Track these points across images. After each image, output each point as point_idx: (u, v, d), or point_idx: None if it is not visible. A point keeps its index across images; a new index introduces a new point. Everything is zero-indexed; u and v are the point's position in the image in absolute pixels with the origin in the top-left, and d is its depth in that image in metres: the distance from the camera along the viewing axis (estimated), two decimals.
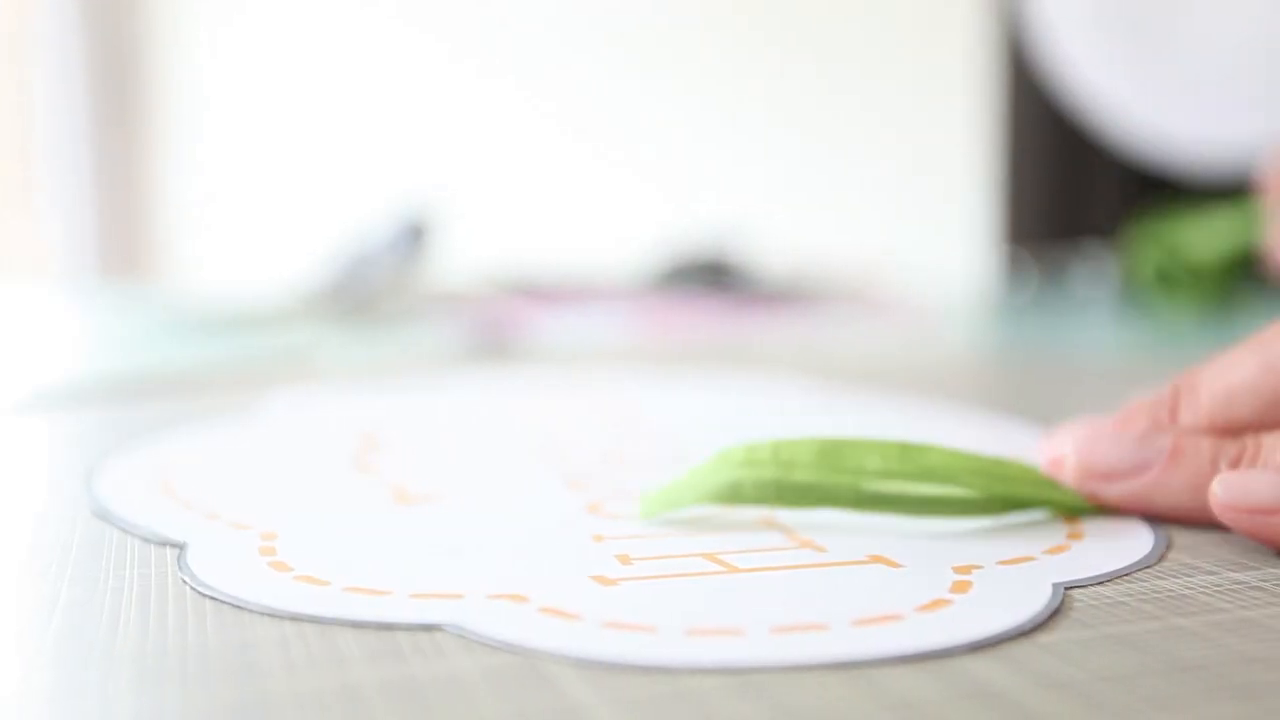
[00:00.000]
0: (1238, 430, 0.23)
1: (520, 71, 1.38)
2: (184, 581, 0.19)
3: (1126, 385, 0.39)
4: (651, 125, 1.28)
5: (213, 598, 0.18)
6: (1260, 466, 0.21)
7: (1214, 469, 0.22)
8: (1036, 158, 0.87)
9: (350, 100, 1.52)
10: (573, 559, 0.20)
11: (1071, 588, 0.18)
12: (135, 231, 1.67)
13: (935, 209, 1.04)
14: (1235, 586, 0.18)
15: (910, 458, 0.22)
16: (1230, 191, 0.62)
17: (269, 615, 0.18)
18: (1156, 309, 0.61)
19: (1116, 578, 0.19)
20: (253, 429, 0.32)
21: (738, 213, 1.13)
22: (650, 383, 0.39)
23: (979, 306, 0.75)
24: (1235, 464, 0.22)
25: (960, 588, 0.18)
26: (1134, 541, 0.21)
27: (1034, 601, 0.18)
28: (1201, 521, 0.22)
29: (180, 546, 0.21)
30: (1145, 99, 0.71)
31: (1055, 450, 0.24)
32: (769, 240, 0.95)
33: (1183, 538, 0.21)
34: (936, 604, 0.18)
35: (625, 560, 0.20)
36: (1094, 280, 0.75)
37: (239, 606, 0.18)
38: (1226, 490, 0.20)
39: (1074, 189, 0.84)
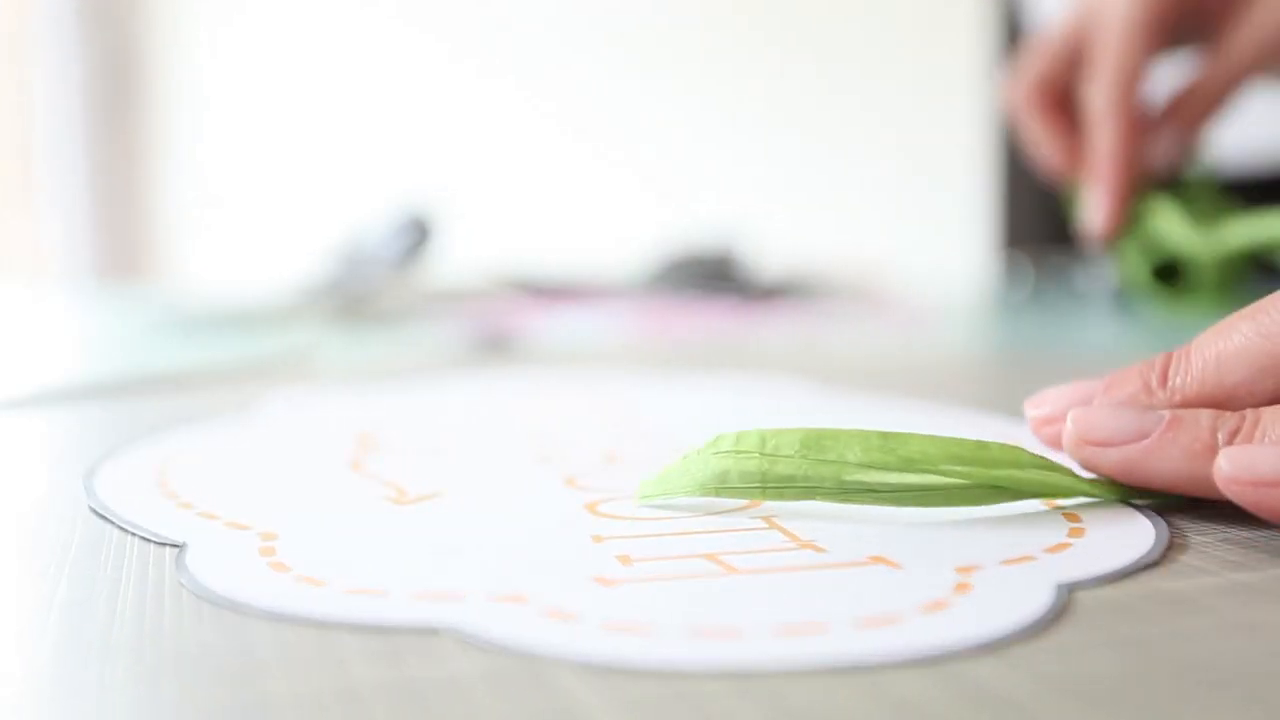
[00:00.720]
0: (1228, 395, 0.23)
1: (520, 71, 1.38)
2: (181, 583, 0.19)
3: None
4: (651, 124, 1.28)
5: (211, 600, 0.18)
6: (1260, 440, 0.21)
7: (1212, 440, 0.22)
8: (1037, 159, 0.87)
9: (350, 99, 1.52)
10: (573, 560, 0.20)
11: (1074, 588, 0.18)
12: (134, 231, 1.67)
13: (935, 209, 1.04)
14: (1237, 588, 0.18)
15: (891, 447, 0.22)
16: (1230, 193, 0.62)
17: (268, 616, 0.18)
18: (1155, 309, 0.60)
19: (1119, 577, 0.19)
20: (252, 429, 0.32)
21: (738, 212, 1.13)
22: (650, 382, 0.39)
23: (978, 306, 0.74)
24: (1233, 436, 0.22)
25: (962, 589, 0.18)
26: (1136, 538, 0.21)
27: (1036, 603, 0.17)
28: (1195, 493, 0.22)
29: (179, 546, 0.21)
30: None
31: (1045, 412, 0.24)
32: (769, 240, 0.95)
33: (1183, 537, 0.21)
34: (938, 605, 0.17)
35: (626, 561, 0.20)
36: (1092, 280, 0.75)
37: (238, 607, 0.18)
38: (1231, 464, 0.21)
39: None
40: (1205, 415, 0.22)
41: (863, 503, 0.22)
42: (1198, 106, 0.56)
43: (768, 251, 0.89)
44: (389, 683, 0.15)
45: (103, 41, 1.61)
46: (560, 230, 1.33)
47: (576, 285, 0.75)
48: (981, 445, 0.22)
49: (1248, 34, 0.54)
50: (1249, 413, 0.22)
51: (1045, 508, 0.23)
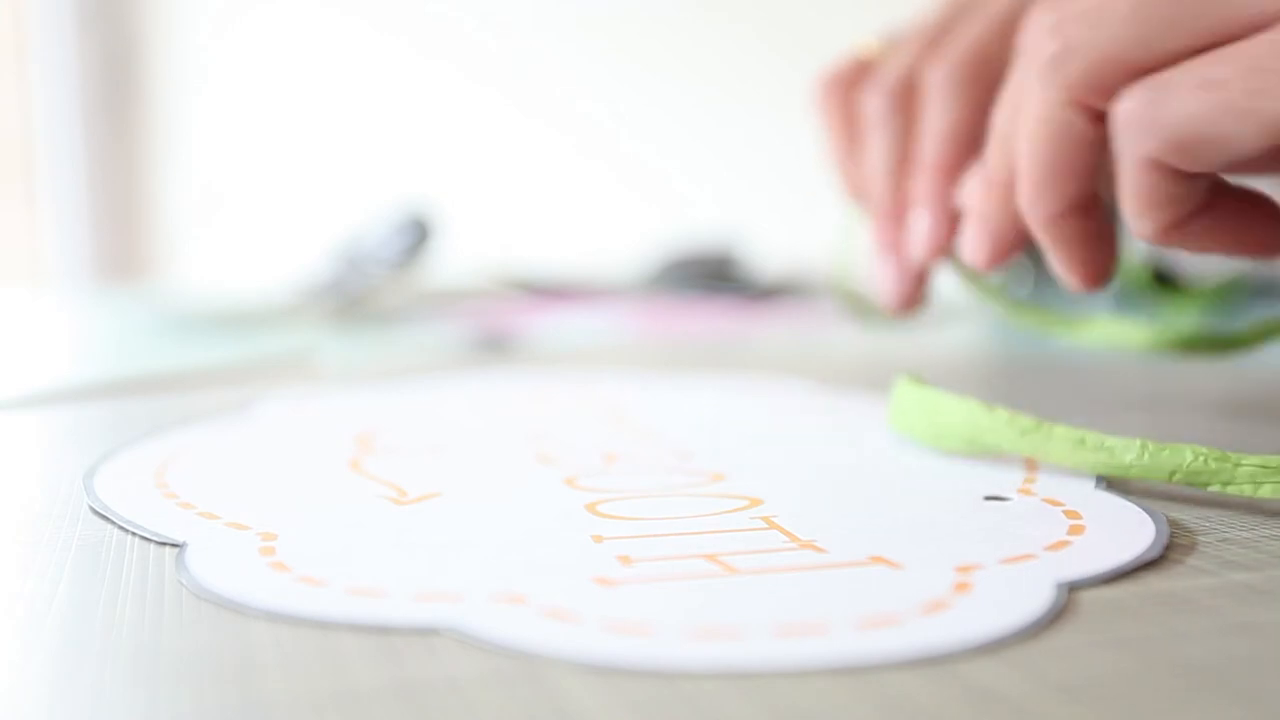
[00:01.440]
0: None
1: (520, 71, 1.38)
2: (181, 583, 0.19)
3: (1125, 384, 0.39)
4: (651, 124, 1.28)
5: (211, 600, 0.18)
6: None
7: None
8: None
9: (349, 100, 1.52)
10: (573, 560, 0.20)
11: (1074, 587, 0.18)
12: (134, 231, 1.67)
13: None
14: (1237, 588, 0.18)
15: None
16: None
17: (268, 616, 0.18)
18: (1154, 309, 0.60)
19: (1119, 576, 0.19)
20: (252, 429, 0.32)
21: (737, 212, 1.13)
22: (650, 382, 0.39)
23: (978, 306, 0.74)
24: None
25: (961, 588, 0.18)
26: (1136, 536, 0.21)
27: (1036, 602, 0.17)
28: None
29: (179, 546, 0.21)
30: None
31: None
32: (768, 240, 0.95)
33: (1183, 536, 0.21)
34: (938, 605, 0.17)
35: (626, 561, 0.20)
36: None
37: (238, 607, 0.18)
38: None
39: None
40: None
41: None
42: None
43: (768, 251, 0.89)
44: (388, 683, 0.15)
45: (102, 41, 1.61)
46: (560, 230, 1.33)
47: (576, 285, 0.75)
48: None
49: None
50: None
51: (1045, 504, 0.23)
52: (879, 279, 0.36)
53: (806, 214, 1.16)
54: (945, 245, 0.34)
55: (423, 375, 0.41)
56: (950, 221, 0.34)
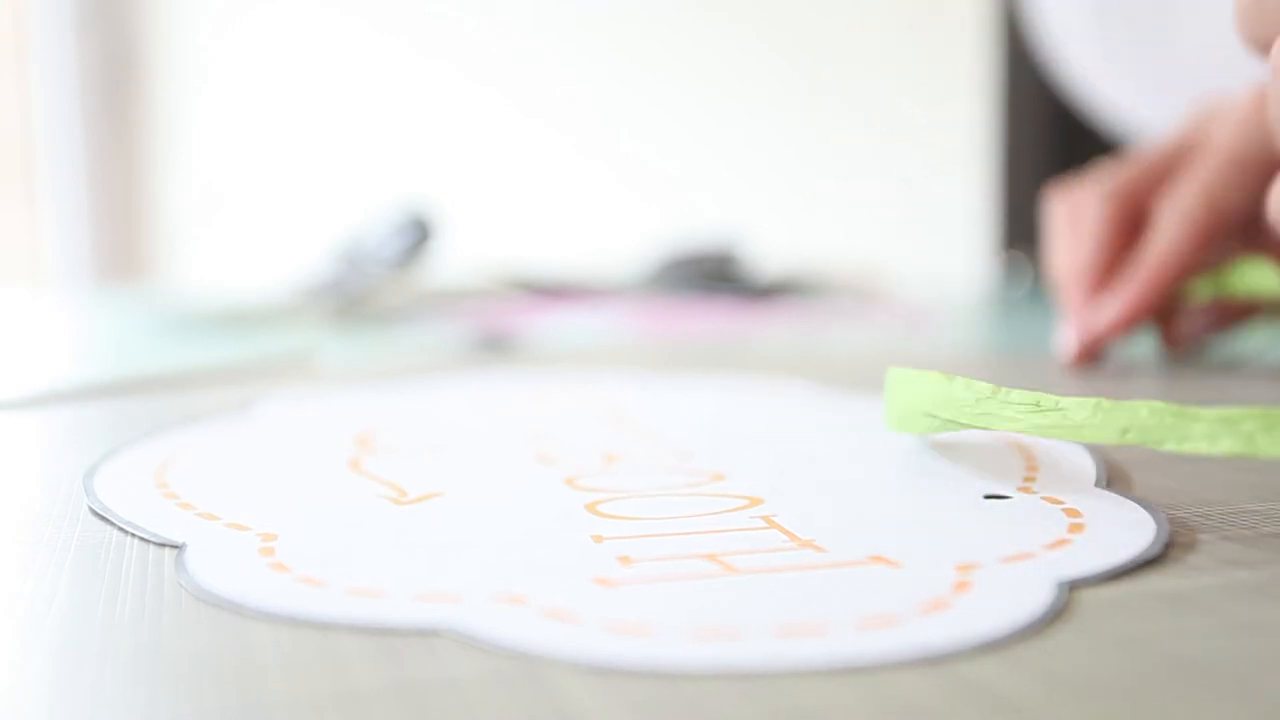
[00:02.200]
0: None
1: (520, 71, 1.38)
2: (181, 584, 0.19)
3: (1124, 383, 0.39)
4: (651, 124, 1.28)
5: (210, 601, 0.18)
6: None
7: None
8: (1037, 159, 0.87)
9: (349, 100, 1.52)
10: (573, 560, 0.20)
11: (1074, 586, 0.18)
12: (134, 231, 1.67)
13: (934, 209, 1.04)
14: (1237, 587, 0.18)
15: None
16: None
17: (268, 617, 0.18)
18: None
19: (1119, 574, 0.19)
20: (251, 428, 0.32)
21: (737, 212, 1.13)
22: (650, 382, 0.39)
23: (978, 306, 0.74)
24: None
25: (961, 587, 0.18)
26: (1136, 535, 0.21)
27: (1035, 601, 0.17)
28: None
29: (179, 547, 0.21)
30: (1148, 101, 0.71)
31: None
32: (768, 240, 0.95)
33: (1183, 534, 0.21)
34: (937, 604, 0.17)
35: (626, 561, 0.20)
36: None
37: (238, 608, 0.18)
38: None
39: None
40: None
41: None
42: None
43: (768, 251, 0.89)
44: (388, 684, 0.15)
45: (102, 41, 1.61)
46: (560, 230, 1.33)
47: (576, 285, 0.75)
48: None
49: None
50: None
51: (1045, 503, 0.23)
52: (1064, 340, 0.43)
53: (806, 214, 1.16)
54: (1131, 329, 0.42)
55: (423, 375, 0.41)
56: (1143, 315, 0.42)
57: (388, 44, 1.48)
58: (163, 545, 0.21)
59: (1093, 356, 0.43)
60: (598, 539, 0.21)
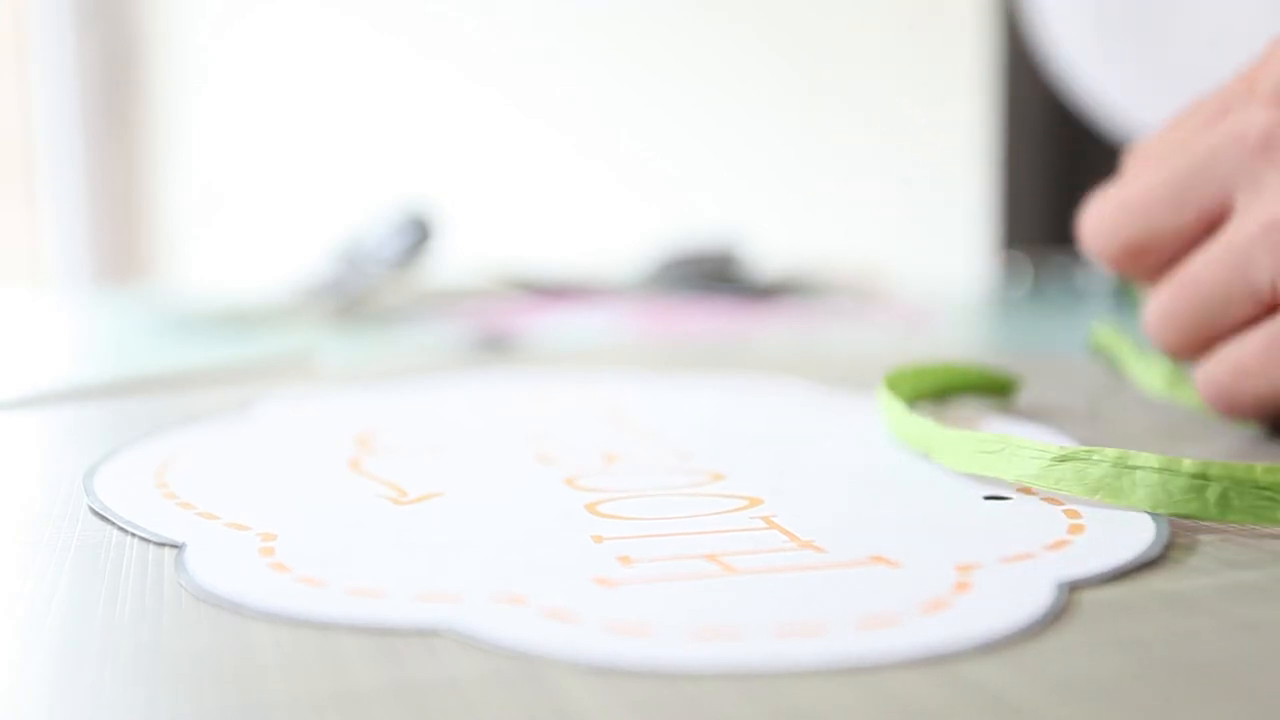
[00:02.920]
0: None
1: (520, 70, 1.38)
2: (181, 584, 0.19)
3: (1123, 383, 0.38)
4: (651, 124, 1.28)
5: (210, 601, 0.18)
6: None
7: None
8: (1036, 159, 0.87)
9: (349, 100, 1.52)
10: (573, 560, 0.20)
11: (1074, 587, 0.18)
12: (134, 231, 1.67)
13: (935, 209, 1.04)
14: (1237, 588, 0.18)
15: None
16: None
17: (268, 617, 0.18)
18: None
19: (1119, 575, 0.19)
20: (251, 428, 0.32)
21: (737, 212, 1.13)
22: (650, 382, 0.39)
23: (978, 306, 0.74)
24: None
25: (961, 587, 0.18)
26: (1136, 535, 0.21)
27: (1036, 602, 0.17)
28: None
29: (178, 547, 0.21)
30: (1148, 101, 0.71)
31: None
32: (768, 240, 0.95)
33: (1183, 535, 0.21)
34: (938, 605, 0.17)
35: (626, 561, 0.20)
36: (1092, 279, 0.75)
37: (238, 608, 0.18)
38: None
39: (1074, 190, 0.84)
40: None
41: None
42: None
43: (767, 251, 0.89)
44: (388, 684, 0.15)
45: (102, 41, 1.61)
46: (560, 230, 1.33)
47: (576, 285, 0.75)
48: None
49: None
50: None
51: (1045, 504, 0.23)
52: None
53: (806, 214, 1.16)
54: None
55: (423, 375, 0.41)
56: None
57: (388, 44, 1.48)
58: (162, 545, 0.21)
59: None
60: (598, 539, 0.21)
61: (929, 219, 1.04)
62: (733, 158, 1.21)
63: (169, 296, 0.81)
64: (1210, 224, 0.28)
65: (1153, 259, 0.30)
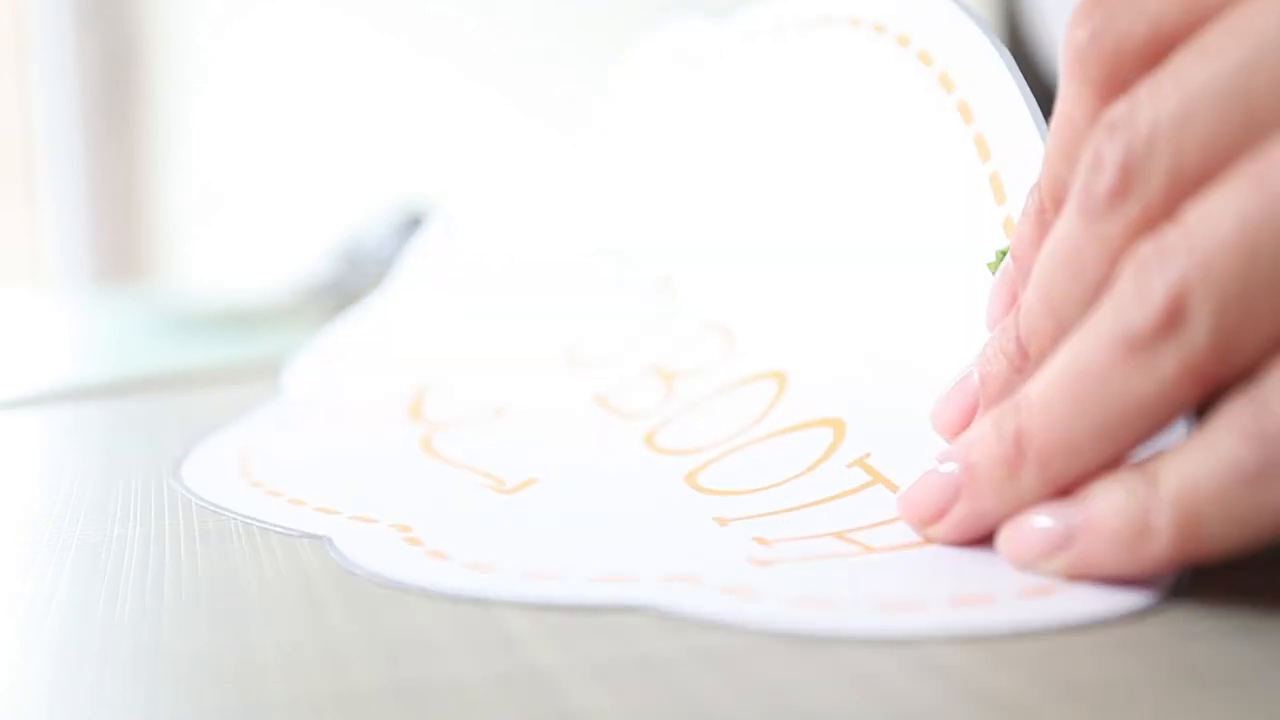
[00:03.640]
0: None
1: (520, 70, 1.38)
2: (349, 571, 0.19)
3: None
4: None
5: (377, 583, 0.19)
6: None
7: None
8: None
9: (349, 100, 1.52)
10: (714, 542, 0.20)
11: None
12: (134, 231, 1.67)
13: None
14: (1239, 588, 0.18)
15: None
16: None
17: (435, 597, 0.18)
18: None
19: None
20: (307, 412, 0.31)
21: None
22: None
23: None
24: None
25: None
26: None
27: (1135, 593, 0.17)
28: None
29: (318, 538, 0.21)
30: None
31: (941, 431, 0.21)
32: None
33: None
34: (1040, 591, 0.17)
35: (763, 542, 0.20)
36: None
37: (421, 592, 0.18)
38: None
39: None
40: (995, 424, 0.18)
41: None
42: None
43: None
44: (388, 684, 0.15)
45: (102, 41, 1.61)
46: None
47: None
48: None
49: None
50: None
51: None
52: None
53: None
54: None
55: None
56: None
57: (388, 44, 1.48)
58: (304, 536, 0.21)
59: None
60: (722, 522, 0.21)
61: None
62: None
63: (169, 296, 0.81)
64: None
65: None
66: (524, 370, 0.31)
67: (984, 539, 0.19)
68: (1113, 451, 0.17)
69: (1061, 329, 0.18)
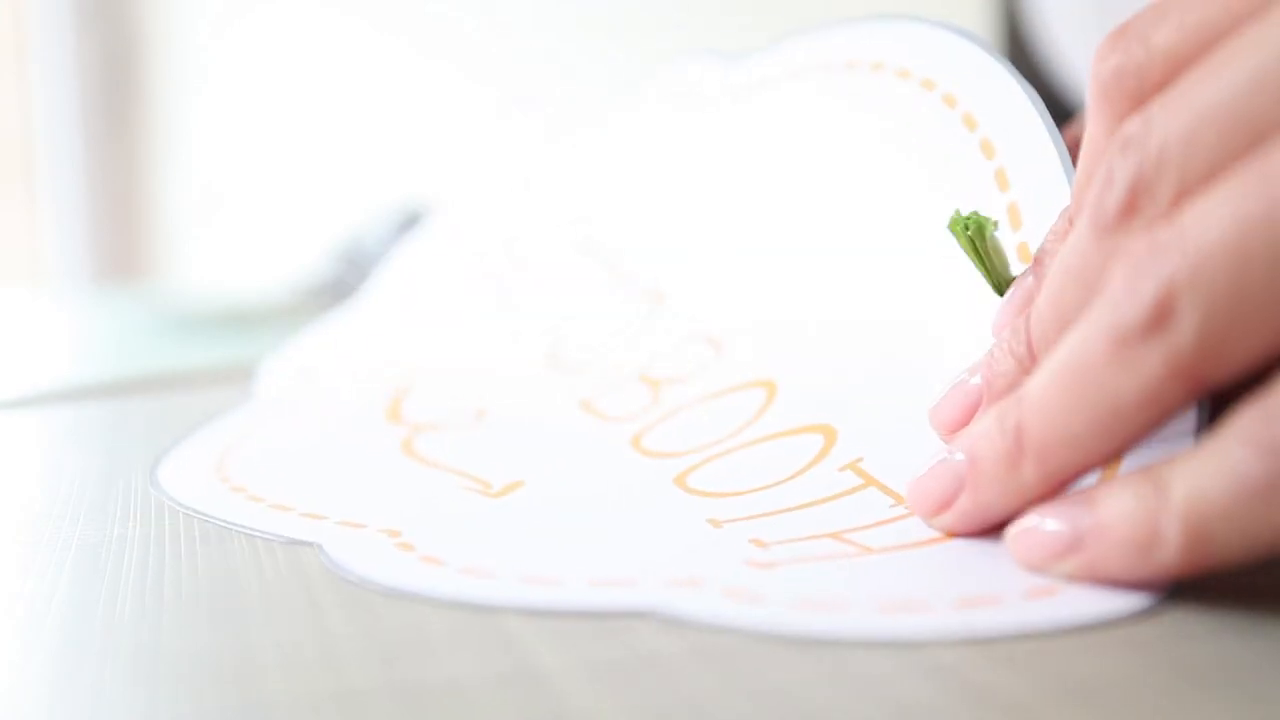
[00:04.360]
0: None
1: (520, 70, 1.38)
2: (342, 578, 0.19)
3: None
4: None
5: (368, 588, 0.19)
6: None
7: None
8: None
9: (349, 100, 1.52)
10: (710, 545, 0.20)
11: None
12: (134, 231, 1.67)
13: None
14: (1239, 588, 0.18)
15: None
16: None
17: (436, 603, 0.18)
18: None
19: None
20: (280, 413, 0.31)
21: None
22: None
23: None
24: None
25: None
26: None
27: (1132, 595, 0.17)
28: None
29: (309, 545, 0.21)
30: None
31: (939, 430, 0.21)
32: None
33: None
34: (1044, 592, 0.17)
35: (761, 544, 0.20)
36: None
37: (414, 597, 0.18)
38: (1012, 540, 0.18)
39: None
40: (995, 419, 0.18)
41: None
42: None
43: None
44: (388, 684, 0.15)
45: (102, 41, 1.61)
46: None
47: None
48: None
49: None
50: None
51: None
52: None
53: None
54: None
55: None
56: None
57: (388, 44, 1.48)
58: (292, 545, 0.21)
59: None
60: (715, 523, 0.21)
61: None
62: None
63: (169, 296, 0.81)
64: None
65: None
66: (505, 373, 0.30)
67: (986, 535, 0.19)
68: (1108, 447, 0.18)
69: None
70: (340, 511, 0.23)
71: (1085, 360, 0.17)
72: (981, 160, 0.24)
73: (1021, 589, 0.17)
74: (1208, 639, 0.16)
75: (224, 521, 0.22)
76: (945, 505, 0.19)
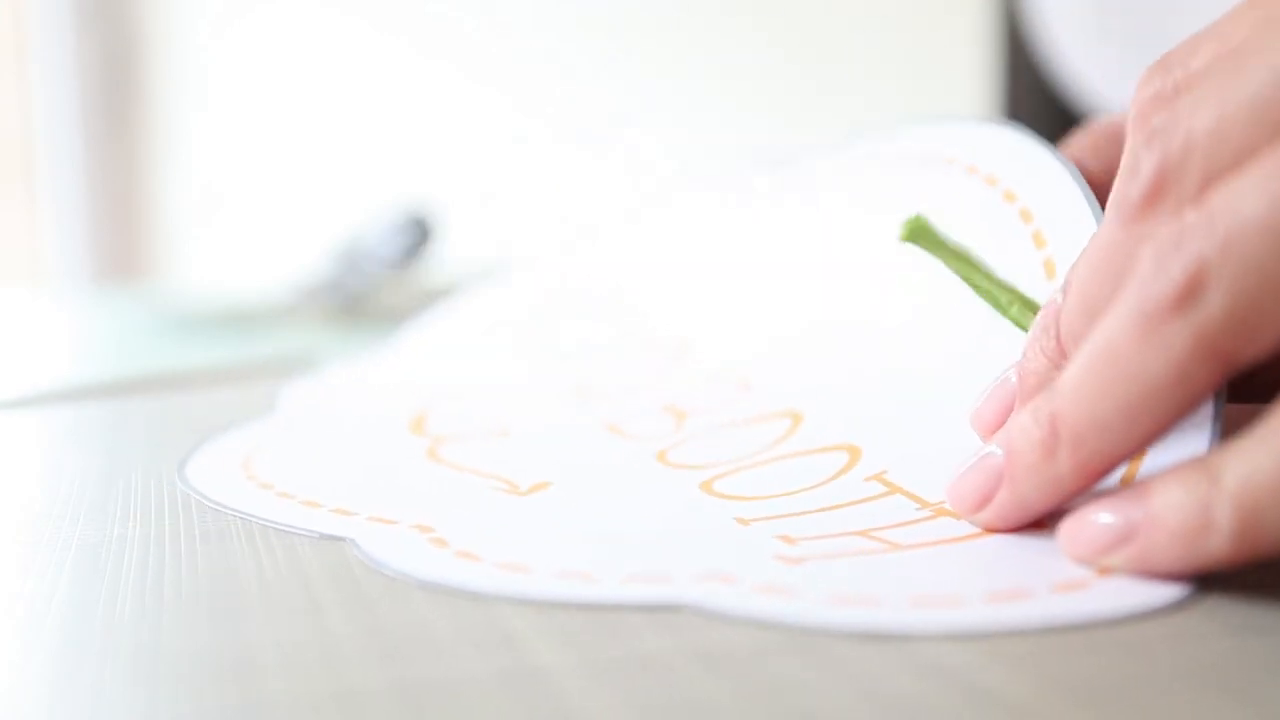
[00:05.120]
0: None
1: (520, 70, 1.38)
2: (380, 571, 0.19)
3: None
4: (652, 125, 1.28)
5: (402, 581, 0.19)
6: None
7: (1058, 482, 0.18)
8: None
9: (349, 100, 1.52)
10: (739, 541, 0.20)
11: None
12: (134, 231, 1.67)
13: None
14: (1239, 588, 0.18)
15: None
16: None
17: (428, 595, 0.18)
18: None
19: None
20: (301, 424, 0.31)
21: None
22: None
23: None
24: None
25: (1105, 570, 0.18)
26: None
27: (1169, 587, 0.17)
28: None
29: (342, 540, 0.21)
30: None
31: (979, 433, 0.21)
32: None
33: None
34: (1074, 585, 0.17)
35: (789, 541, 0.20)
36: None
37: (434, 588, 0.18)
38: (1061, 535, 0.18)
39: None
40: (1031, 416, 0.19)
41: None
42: None
43: None
44: (388, 683, 0.15)
45: (102, 41, 1.61)
46: (559, 229, 1.33)
47: None
48: None
49: None
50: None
51: None
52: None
53: None
54: None
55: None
56: None
57: (388, 44, 1.48)
58: (323, 539, 0.21)
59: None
60: (743, 522, 0.21)
61: None
62: (734, 158, 1.21)
63: (169, 296, 0.81)
64: None
65: None
66: (531, 398, 0.30)
67: (1019, 531, 0.19)
68: (1140, 432, 0.18)
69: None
70: (370, 508, 0.23)
71: (1116, 342, 0.17)
72: (1032, 249, 0.24)
73: (1051, 583, 0.18)
74: (1208, 639, 0.16)
75: (253, 517, 0.23)
76: (985, 501, 0.20)
